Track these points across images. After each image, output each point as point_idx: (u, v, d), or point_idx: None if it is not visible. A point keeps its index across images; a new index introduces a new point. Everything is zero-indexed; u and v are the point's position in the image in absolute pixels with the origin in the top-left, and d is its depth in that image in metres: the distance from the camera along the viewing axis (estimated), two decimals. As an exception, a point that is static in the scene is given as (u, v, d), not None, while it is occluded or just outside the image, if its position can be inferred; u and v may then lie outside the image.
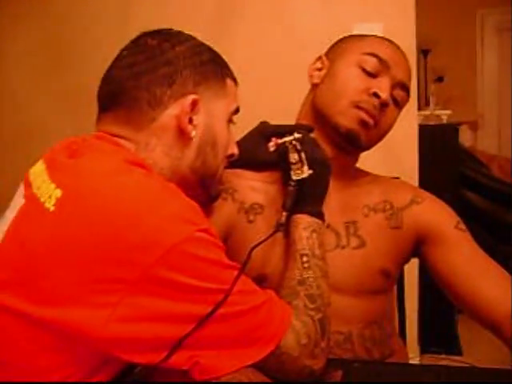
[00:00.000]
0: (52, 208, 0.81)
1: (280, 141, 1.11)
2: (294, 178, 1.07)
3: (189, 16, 2.31)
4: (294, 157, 1.07)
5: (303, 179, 1.07)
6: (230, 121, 1.06)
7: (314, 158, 1.08)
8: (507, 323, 1.04)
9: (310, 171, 1.06)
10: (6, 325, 0.80)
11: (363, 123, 1.13)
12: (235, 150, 1.10)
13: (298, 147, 1.08)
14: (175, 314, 0.78)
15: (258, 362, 0.84)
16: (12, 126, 2.70)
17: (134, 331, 0.77)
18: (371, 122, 1.13)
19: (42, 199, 0.84)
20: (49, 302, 0.77)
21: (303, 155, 1.07)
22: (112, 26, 2.46)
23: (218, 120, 1.02)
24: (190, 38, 1.03)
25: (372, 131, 1.14)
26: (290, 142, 1.09)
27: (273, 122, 1.23)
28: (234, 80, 1.08)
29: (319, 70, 1.23)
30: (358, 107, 1.13)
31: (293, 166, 1.07)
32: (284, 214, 1.07)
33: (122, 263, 0.76)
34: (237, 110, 1.07)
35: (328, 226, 1.14)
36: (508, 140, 5.14)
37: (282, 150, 1.10)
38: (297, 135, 1.09)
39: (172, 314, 0.78)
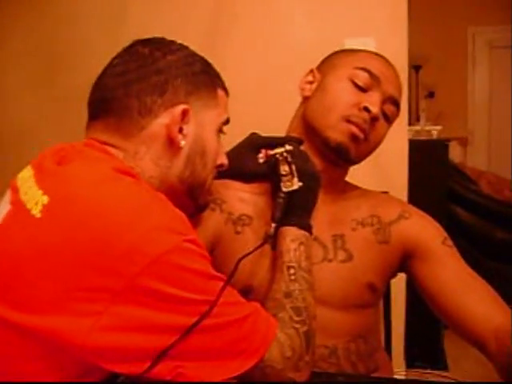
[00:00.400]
0: (38, 215, 0.81)
1: (271, 152, 1.11)
2: (284, 189, 1.07)
3: (183, 25, 2.32)
4: (284, 169, 1.08)
5: (293, 191, 1.07)
6: (219, 131, 1.06)
7: (304, 170, 1.08)
8: (492, 339, 1.04)
9: (300, 183, 1.07)
10: None
11: (353, 137, 1.13)
12: (224, 161, 1.10)
13: (289, 159, 1.08)
14: (159, 325, 0.78)
15: (241, 373, 0.83)
16: (1, 130, 2.68)
17: (118, 341, 0.76)
18: (361, 136, 1.13)
19: (29, 205, 0.83)
20: (33, 310, 0.77)
21: (294, 167, 1.07)
22: (105, 32, 2.45)
23: (208, 130, 1.02)
24: (183, 47, 1.03)
25: (362, 145, 1.15)
26: (281, 154, 1.09)
27: (263, 134, 1.23)
28: (225, 90, 1.08)
29: (310, 83, 1.23)
30: (349, 121, 1.13)
31: (283, 178, 1.07)
32: (273, 225, 1.07)
33: (108, 272, 0.75)
34: (227, 121, 1.08)
35: (315, 239, 1.14)
36: (497, 156, 5.18)
37: (272, 162, 1.10)
38: (288, 147, 1.09)
39: (156, 324, 0.78)
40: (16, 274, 0.79)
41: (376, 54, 1.23)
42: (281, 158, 1.08)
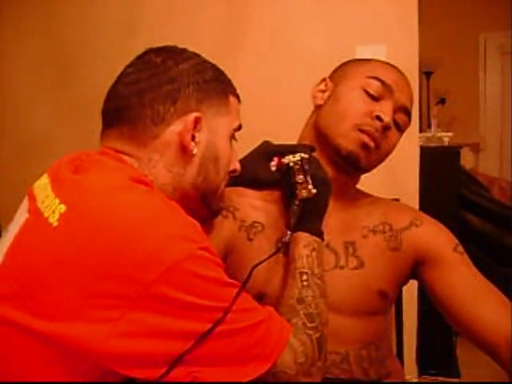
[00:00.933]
0: (56, 223, 0.82)
1: (284, 160, 1.11)
2: (300, 197, 1.08)
3: (195, 33, 2.33)
4: (299, 176, 1.08)
5: (306, 198, 1.08)
6: (232, 137, 1.07)
7: (316, 177, 1.09)
8: (504, 346, 1.04)
9: (315, 190, 1.07)
10: (8, 337, 0.81)
11: (364, 146, 1.14)
12: (237, 166, 1.11)
13: (306, 167, 1.09)
14: (175, 331, 0.79)
15: (254, 379, 0.84)
16: (13, 139, 2.70)
17: (134, 347, 0.77)
18: (372, 144, 1.14)
19: (46, 214, 0.85)
20: (50, 316, 0.78)
21: (308, 175, 1.08)
22: (115, 41, 2.47)
23: (221, 137, 1.03)
24: (194, 55, 1.05)
25: (373, 154, 1.16)
26: (296, 162, 1.09)
27: (275, 142, 1.24)
28: (237, 97, 1.09)
29: (323, 91, 1.24)
30: (361, 130, 1.14)
31: (298, 186, 1.08)
32: (288, 233, 1.08)
33: (124, 280, 0.76)
34: (239, 127, 1.09)
35: (327, 246, 1.15)
36: (509, 163, 5.15)
37: (285, 169, 1.11)
38: (304, 155, 1.10)
39: (172, 330, 0.79)
40: (34, 282, 0.80)
41: (388, 64, 1.24)
42: (296, 166, 1.09)
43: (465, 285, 1.15)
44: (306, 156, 1.10)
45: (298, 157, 1.10)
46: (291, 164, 1.10)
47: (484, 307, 1.11)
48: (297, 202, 1.08)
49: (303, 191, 1.08)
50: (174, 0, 2.42)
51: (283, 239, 1.07)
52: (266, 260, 1.03)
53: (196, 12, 2.38)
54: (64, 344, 0.77)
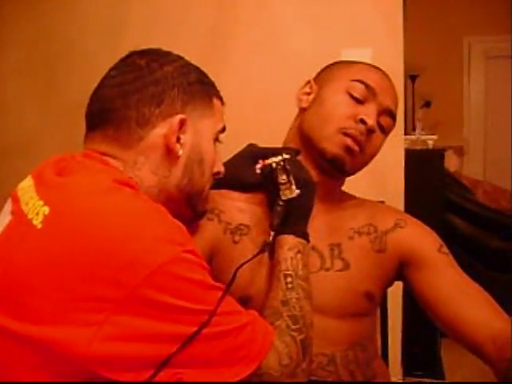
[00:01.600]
0: (39, 225, 0.82)
1: (268, 161, 1.12)
2: (284, 197, 1.08)
3: (181, 36, 2.33)
4: (282, 177, 1.08)
5: (290, 199, 1.08)
6: (216, 139, 1.07)
7: (299, 178, 1.09)
8: (491, 345, 1.05)
9: (298, 191, 1.08)
10: None
11: (349, 149, 1.14)
12: (221, 168, 1.11)
13: (287, 167, 1.09)
14: (160, 334, 0.79)
15: (239, 381, 0.84)
16: (2, 141, 2.69)
17: (119, 350, 0.77)
18: (356, 148, 1.14)
19: (30, 216, 0.84)
20: (34, 320, 0.77)
21: (291, 175, 1.08)
22: (103, 43, 2.46)
23: (205, 139, 1.03)
24: (178, 58, 1.05)
25: (357, 157, 1.16)
26: (278, 163, 1.10)
27: (260, 145, 1.24)
28: (221, 99, 1.10)
29: (307, 94, 1.24)
30: (345, 133, 1.14)
31: (281, 186, 1.08)
32: (271, 233, 1.08)
33: (109, 282, 0.76)
34: (223, 129, 1.09)
35: (312, 248, 1.15)
36: (493, 166, 5.20)
37: (269, 171, 1.11)
38: (285, 156, 1.10)
39: (157, 333, 0.78)
40: (17, 284, 0.79)
41: (372, 66, 1.24)
42: (278, 167, 1.09)
43: (450, 285, 1.16)
44: (288, 157, 1.11)
45: (280, 157, 1.10)
46: (274, 165, 1.10)
47: (470, 307, 1.12)
48: (280, 203, 1.08)
49: (286, 191, 1.08)
50: (161, 3, 2.41)
51: (266, 240, 1.07)
52: (249, 261, 1.03)
53: (183, 14, 2.38)
54: (48, 348, 0.77)
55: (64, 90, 2.55)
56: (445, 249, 1.21)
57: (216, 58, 2.28)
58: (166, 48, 1.06)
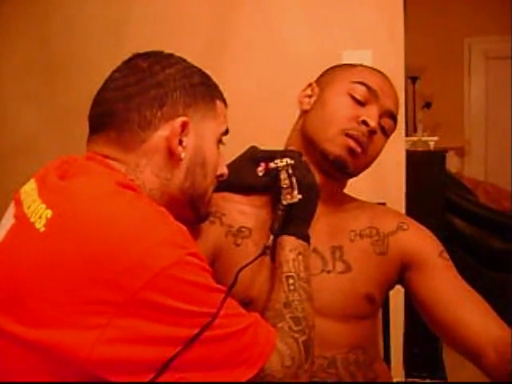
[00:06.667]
0: (42, 228, 0.82)
1: (272, 165, 1.12)
2: (284, 202, 1.08)
3: (180, 38, 2.33)
4: (285, 181, 1.09)
5: (291, 204, 1.08)
6: (219, 142, 1.07)
7: (303, 182, 1.10)
8: (490, 351, 1.05)
9: (299, 196, 1.08)
10: None
11: (351, 151, 1.14)
12: (225, 170, 1.11)
13: (290, 172, 1.09)
14: (163, 337, 0.79)
15: (242, 383, 0.84)
16: (1, 143, 2.68)
17: (122, 353, 0.77)
18: (359, 149, 1.15)
19: (33, 219, 0.84)
20: (37, 323, 0.77)
21: (294, 180, 1.08)
22: (103, 46, 2.46)
23: (208, 141, 1.03)
24: (181, 60, 1.05)
25: (359, 159, 1.16)
26: (282, 167, 1.10)
27: (262, 147, 1.25)
28: (224, 101, 1.10)
29: (309, 96, 1.25)
30: (347, 135, 1.14)
31: (283, 191, 1.08)
32: (271, 237, 1.08)
33: (112, 285, 0.76)
34: (226, 131, 1.09)
35: (314, 250, 1.16)
36: (494, 166, 5.20)
37: (273, 174, 1.12)
38: (290, 161, 1.10)
39: (159, 336, 0.78)
40: (20, 288, 0.80)
41: (373, 69, 1.25)
42: (283, 172, 1.09)
43: (450, 290, 1.16)
44: (292, 162, 1.11)
45: (284, 162, 1.10)
46: (278, 168, 1.10)
47: (469, 312, 1.12)
48: (281, 207, 1.09)
49: (287, 196, 1.08)
50: (161, 6, 2.41)
51: (266, 243, 1.08)
52: (250, 263, 1.03)
53: (182, 17, 2.38)
54: (50, 351, 0.77)
55: (64, 92, 2.54)
56: (445, 254, 1.22)
57: (215, 61, 2.28)
58: (165, 48, 1.06)
